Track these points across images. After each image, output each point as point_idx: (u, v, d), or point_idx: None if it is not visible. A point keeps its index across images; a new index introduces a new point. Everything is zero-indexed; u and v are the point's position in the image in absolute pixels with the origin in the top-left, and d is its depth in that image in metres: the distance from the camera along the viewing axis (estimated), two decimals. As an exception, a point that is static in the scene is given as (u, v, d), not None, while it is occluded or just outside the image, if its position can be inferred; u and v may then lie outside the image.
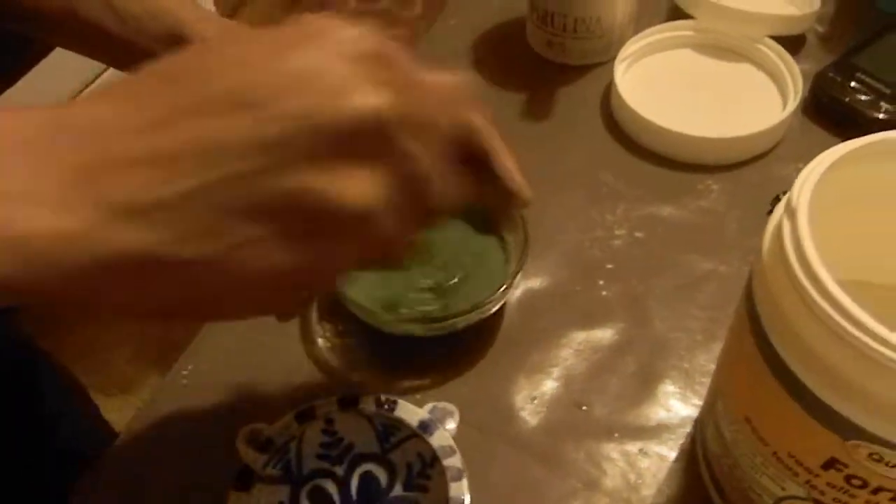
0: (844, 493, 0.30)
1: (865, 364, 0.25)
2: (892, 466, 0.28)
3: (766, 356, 0.30)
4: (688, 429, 0.43)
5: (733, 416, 0.34)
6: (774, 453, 0.32)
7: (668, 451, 0.42)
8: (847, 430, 0.28)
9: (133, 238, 0.24)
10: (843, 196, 0.31)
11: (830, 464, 0.30)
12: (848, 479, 0.30)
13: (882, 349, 0.25)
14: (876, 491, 0.29)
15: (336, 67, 0.26)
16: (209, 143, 0.25)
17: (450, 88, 0.31)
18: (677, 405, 0.44)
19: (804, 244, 0.27)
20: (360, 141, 0.26)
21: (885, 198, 0.33)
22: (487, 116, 0.36)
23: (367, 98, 0.26)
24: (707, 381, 0.43)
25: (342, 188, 0.26)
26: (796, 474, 0.32)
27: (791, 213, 0.29)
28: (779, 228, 0.29)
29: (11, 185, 0.23)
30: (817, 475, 0.31)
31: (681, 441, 0.43)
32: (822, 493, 0.31)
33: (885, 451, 0.27)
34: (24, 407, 0.61)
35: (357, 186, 0.27)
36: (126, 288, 0.26)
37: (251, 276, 0.27)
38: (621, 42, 0.61)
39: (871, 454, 0.28)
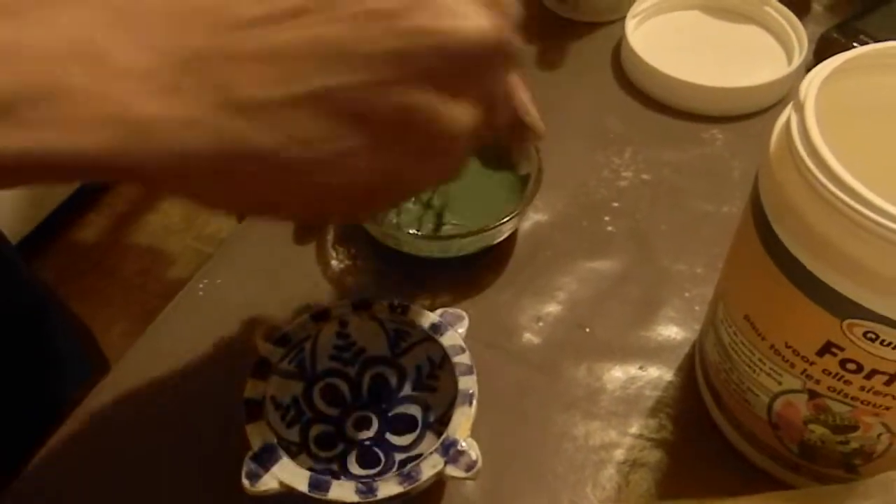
0: (839, 379, 0.32)
1: (864, 238, 0.27)
2: (886, 345, 0.29)
3: (768, 247, 0.32)
4: (686, 350, 0.45)
5: (733, 317, 0.36)
6: (772, 346, 0.34)
7: (667, 370, 0.44)
8: (844, 309, 0.29)
9: (242, 134, 0.24)
10: (846, 105, 0.33)
11: (826, 348, 0.31)
12: (843, 363, 0.31)
13: (882, 220, 0.26)
14: (870, 375, 0.31)
15: None
16: (332, 49, 0.24)
17: (511, 11, 0.31)
18: (677, 329, 0.46)
19: (810, 130, 0.29)
20: (474, 63, 0.27)
21: (887, 110, 0.35)
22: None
23: (485, 21, 0.26)
24: (706, 308, 0.45)
25: (451, 110, 0.27)
26: (792, 365, 0.33)
27: (799, 107, 0.30)
28: (787, 124, 0.31)
29: (121, 61, 0.22)
30: (813, 363, 0.32)
31: (679, 361, 0.44)
32: (818, 381, 0.33)
33: (880, 328, 0.29)
34: (34, 349, 0.61)
35: (463, 110, 0.27)
36: (219, 179, 0.25)
37: (342, 183, 0.27)
38: (632, 1, 0.63)
39: (866, 332, 0.29)
